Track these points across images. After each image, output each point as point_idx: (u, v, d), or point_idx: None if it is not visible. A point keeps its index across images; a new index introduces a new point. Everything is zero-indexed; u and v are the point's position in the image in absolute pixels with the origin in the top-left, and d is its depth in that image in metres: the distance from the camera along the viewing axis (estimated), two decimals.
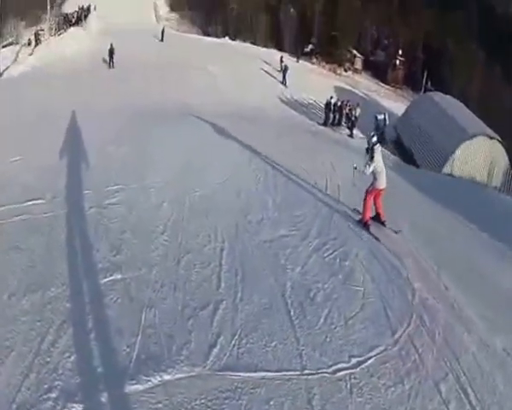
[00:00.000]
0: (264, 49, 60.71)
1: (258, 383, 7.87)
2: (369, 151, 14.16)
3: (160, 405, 7.22)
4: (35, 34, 53.58)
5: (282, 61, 53.87)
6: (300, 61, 58.06)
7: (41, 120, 23.31)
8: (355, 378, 8.38)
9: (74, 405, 7.06)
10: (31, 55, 45.97)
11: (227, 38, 63.90)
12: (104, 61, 48.20)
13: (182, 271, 10.74)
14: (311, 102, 45.93)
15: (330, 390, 8.02)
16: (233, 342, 8.70)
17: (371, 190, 14.38)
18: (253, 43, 62.87)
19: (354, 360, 8.79)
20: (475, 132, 37.11)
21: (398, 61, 61.34)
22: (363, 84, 58.14)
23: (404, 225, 15.42)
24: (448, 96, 44.12)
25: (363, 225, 14.39)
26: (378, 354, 9.08)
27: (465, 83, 53.08)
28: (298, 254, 12.20)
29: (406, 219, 16.14)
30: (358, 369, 8.61)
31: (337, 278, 11.37)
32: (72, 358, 7.87)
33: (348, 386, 8.18)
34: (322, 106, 42.76)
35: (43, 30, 54.96)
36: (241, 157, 18.96)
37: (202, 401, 7.39)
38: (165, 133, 21.01)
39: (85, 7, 62.50)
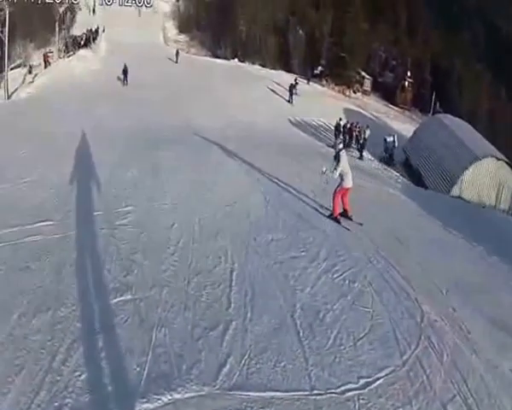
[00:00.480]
0: (274, 71, 60.86)
1: (267, 403, 7.86)
2: (336, 157, 16.11)
3: None
4: (44, 56, 53.87)
5: (296, 83, 54.10)
6: (311, 83, 58.16)
7: (51, 141, 23.51)
8: (363, 399, 8.34)
9: None
10: (31, 82, 45.87)
11: (236, 59, 64.08)
12: (118, 79, 49.27)
13: (192, 291, 10.76)
14: (320, 124, 45.97)
15: None
16: (242, 361, 8.71)
17: (339, 190, 16.31)
18: (262, 65, 63.00)
19: (363, 381, 8.76)
20: (483, 154, 37.04)
21: (406, 83, 61.27)
22: (372, 106, 58.07)
23: (413, 246, 15.51)
24: (456, 118, 44.06)
25: (334, 219, 16.32)
26: (386, 374, 9.05)
27: (472, 104, 52.98)
28: (307, 276, 12.21)
29: (414, 240, 16.21)
30: (367, 390, 8.57)
31: (346, 300, 11.37)
32: (83, 376, 7.89)
33: (356, 406, 8.15)
34: (332, 128, 42.86)
35: (52, 52, 55.26)
36: (250, 179, 19.07)
37: None
38: (174, 155, 21.15)
39: (94, 29, 62.99)
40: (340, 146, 16.47)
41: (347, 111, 51.26)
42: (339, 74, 60.58)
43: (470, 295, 13.06)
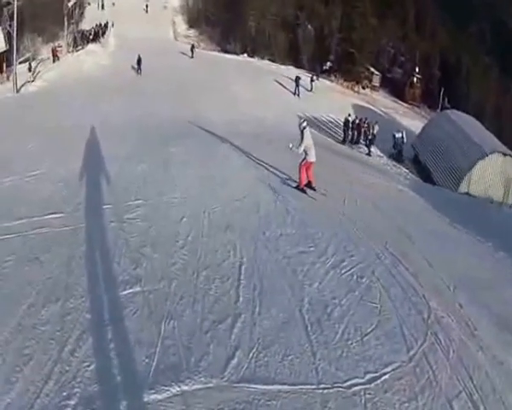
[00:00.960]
0: (283, 66, 60.73)
1: (274, 396, 7.91)
2: (301, 134, 17.62)
3: None
4: (52, 50, 53.87)
5: (312, 81, 54.13)
6: (320, 79, 58.06)
7: (60, 135, 23.57)
8: (370, 394, 8.38)
9: None
10: (32, 80, 45.89)
11: (245, 54, 63.99)
12: (133, 68, 49.93)
13: (201, 285, 10.82)
14: (329, 119, 45.91)
15: (345, 405, 8.04)
16: (250, 355, 8.76)
17: (304, 163, 17.94)
18: (272, 60, 62.87)
19: (369, 376, 8.80)
20: (490, 150, 36.83)
21: (415, 79, 60.99)
22: (381, 102, 57.79)
23: (420, 242, 15.54)
24: (464, 114, 43.84)
25: (300, 189, 17.98)
26: (393, 370, 9.09)
27: (480, 100, 52.77)
28: (315, 271, 12.25)
29: (422, 236, 16.23)
30: (373, 384, 8.61)
31: (354, 295, 11.41)
32: (92, 367, 7.96)
33: (363, 401, 8.19)
34: (341, 124, 42.79)
35: (60, 46, 55.27)
36: (260, 174, 19.07)
37: None
38: (185, 149, 21.14)
39: (103, 24, 63.05)
40: (304, 124, 17.87)
41: (356, 107, 51.09)
42: (348, 70, 60.27)
43: (477, 292, 13.09)
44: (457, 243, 17.93)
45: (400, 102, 60.00)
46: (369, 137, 40.71)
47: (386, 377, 8.89)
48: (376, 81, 62.25)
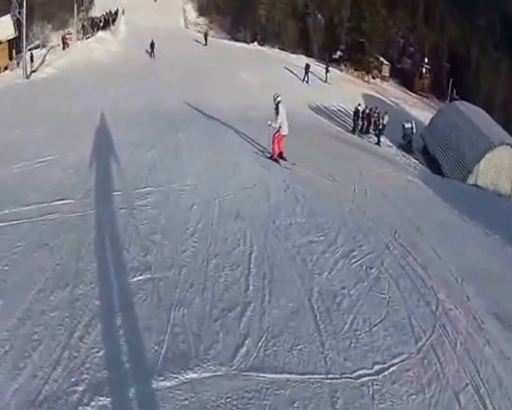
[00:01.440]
0: (293, 55, 60.61)
1: (282, 385, 7.91)
2: (275, 108, 19.06)
3: (186, 402, 7.29)
4: (62, 38, 53.88)
5: (328, 71, 54.13)
6: (330, 68, 57.91)
7: (70, 121, 23.58)
8: (377, 385, 8.39)
9: (101, 398, 7.14)
10: (33, 71, 45.82)
11: (255, 43, 63.94)
12: (146, 51, 50.87)
13: (210, 273, 10.82)
14: (339, 108, 45.79)
15: (353, 395, 8.04)
16: (259, 343, 8.76)
17: (277, 136, 19.31)
18: (282, 48, 62.82)
19: (377, 367, 8.81)
20: (499, 142, 36.62)
21: (424, 70, 60.78)
22: (391, 92, 57.62)
23: (429, 233, 15.55)
24: (472, 106, 43.62)
25: (274, 160, 19.38)
26: (401, 361, 9.10)
27: (489, 92, 52.55)
28: (325, 260, 12.25)
29: (430, 227, 16.23)
30: (381, 376, 8.62)
31: (363, 285, 11.42)
32: (101, 353, 7.97)
33: (371, 392, 8.19)
34: (351, 113, 42.68)
35: (70, 33, 55.28)
36: (271, 162, 19.09)
37: (228, 400, 7.45)
38: (195, 136, 21.15)
39: (113, 11, 62.98)
40: (279, 98, 19.14)
41: (366, 96, 50.87)
42: (358, 60, 60.16)
43: (485, 285, 13.09)
44: (465, 234, 17.94)
45: (409, 92, 59.86)
46: (379, 126, 40.55)
47: (394, 368, 8.90)
48: (386, 71, 62.13)
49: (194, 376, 7.79)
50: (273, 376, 8.08)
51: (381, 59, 62.04)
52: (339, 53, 62.61)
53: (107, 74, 41.36)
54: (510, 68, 54.29)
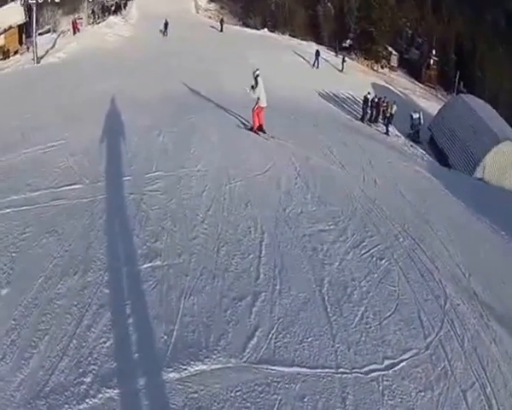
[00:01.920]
0: (304, 41, 60.54)
1: (293, 379, 7.83)
2: (254, 81, 19.87)
3: (195, 394, 7.19)
4: (73, 23, 53.77)
5: (344, 61, 54.26)
6: (339, 56, 57.75)
7: (79, 106, 23.48)
8: (387, 380, 8.32)
9: (109, 390, 7.05)
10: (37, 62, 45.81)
11: (266, 29, 63.81)
12: (160, 31, 52.24)
13: (221, 260, 10.73)
14: (348, 96, 45.68)
15: (363, 391, 7.97)
16: (270, 335, 8.67)
17: (256, 108, 20.27)
18: (292, 35, 62.75)
19: (387, 362, 8.75)
20: (505, 137, 36.65)
21: (431, 61, 60.71)
22: (399, 82, 57.58)
23: (437, 226, 15.51)
24: (478, 99, 43.66)
25: (253, 131, 20.36)
26: (411, 357, 9.04)
27: (495, 86, 52.46)
28: (335, 250, 12.20)
29: (438, 220, 16.16)
30: (391, 371, 8.56)
31: (373, 277, 11.35)
32: (109, 343, 7.88)
33: (380, 388, 8.13)
34: (360, 101, 42.63)
35: (81, 18, 55.20)
36: (282, 149, 19.01)
37: (238, 392, 7.37)
38: (205, 121, 21.08)
39: None
40: (258, 72, 20.02)
41: (375, 85, 50.89)
42: (367, 49, 60.17)
43: (491, 281, 13.04)
44: (473, 229, 17.83)
45: (417, 82, 59.81)
46: (388, 116, 40.52)
47: (404, 364, 8.84)
48: (394, 61, 62.13)
49: (204, 367, 7.69)
50: (283, 369, 7.99)
51: (390, 49, 61.95)
52: (349, 41, 62.48)
53: (118, 59, 41.18)
54: None
